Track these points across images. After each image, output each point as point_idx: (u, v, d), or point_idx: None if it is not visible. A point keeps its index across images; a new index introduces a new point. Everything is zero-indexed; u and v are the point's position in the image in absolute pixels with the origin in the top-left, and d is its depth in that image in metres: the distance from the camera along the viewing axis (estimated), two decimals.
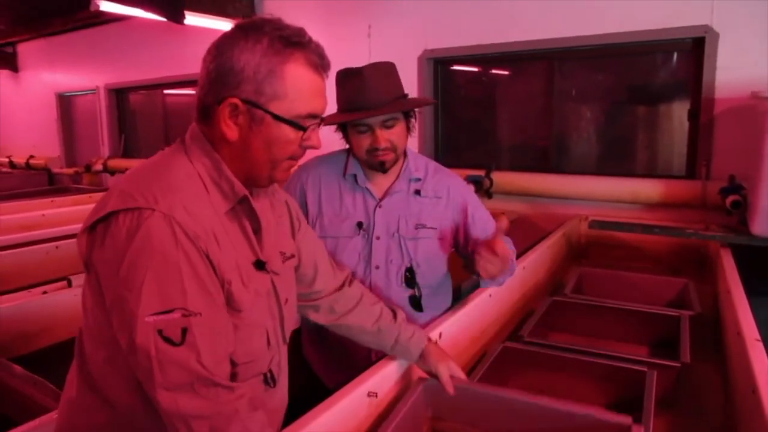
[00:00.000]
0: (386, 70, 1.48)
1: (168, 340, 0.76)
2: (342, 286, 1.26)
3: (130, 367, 0.81)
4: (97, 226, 0.82)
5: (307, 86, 0.89)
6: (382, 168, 1.49)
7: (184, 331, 0.77)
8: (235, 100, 0.85)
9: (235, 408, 0.81)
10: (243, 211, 0.92)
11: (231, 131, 0.87)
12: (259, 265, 0.94)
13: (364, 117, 1.42)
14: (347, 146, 1.59)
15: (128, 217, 0.79)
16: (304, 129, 0.90)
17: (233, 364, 0.88)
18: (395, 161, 1.51)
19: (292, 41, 0.87)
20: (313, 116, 0.91)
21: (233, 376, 0.89)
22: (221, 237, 0.86)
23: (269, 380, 1.00)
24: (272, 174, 0.93)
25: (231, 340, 0.87)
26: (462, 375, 1.29)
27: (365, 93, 1.41)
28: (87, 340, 0.90)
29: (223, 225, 0.88)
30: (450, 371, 1.28)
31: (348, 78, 1.45)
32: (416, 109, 1.54)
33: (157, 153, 0.94)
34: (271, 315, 0.99)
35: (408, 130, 1.52)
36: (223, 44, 0.87)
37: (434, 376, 1.28)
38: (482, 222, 1.63)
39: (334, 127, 1.52)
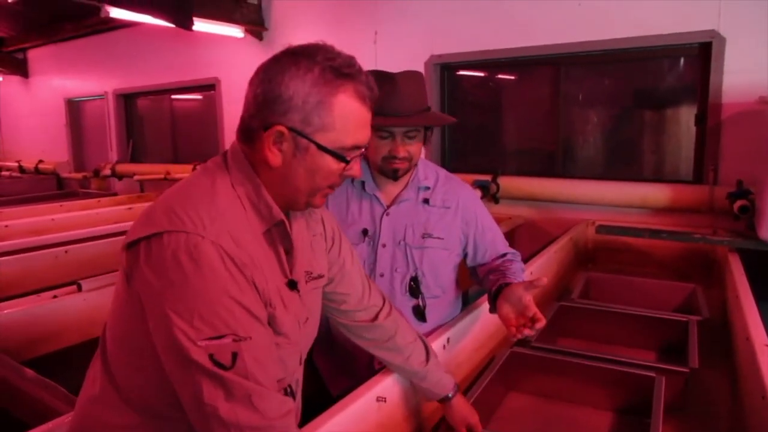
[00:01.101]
0: (417, 80, 1.48)
1: (219, 365, 0.78)
2: (375, 318, 1.24)
3: (156, 374, 0.83)
4: (140, 243, 0.82)
5: (354, 118, 0.89)
6: (395, 176, 1.49)
7: (234, 355, 0.79)
8: (282, 128, 0.85)
9: (287, 424, 0.83)
10: (278, 233, 0.93)
11: (274, 157, 0.87)
12: (292, 285, 0.95)
13: (393, 124, 1.43)
14: None
15: (174, 239, 0.79)
16: (347, 161, 0.90)
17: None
18: (407, 171, 1.52)
19: (344, 72, 0.87)
20: (357, 147, 0.91)
21: None
22: (263, 262, 0.88)
23: (288, 395, 1.00)
24: (310, 200, 0.94)
25: (276, 362, 0.90)
26: (479, 429, 1.30)
27: (395, 100, 1.41)
28: (111, 342, 0.92)
29: (262, 248, 0.90)
30: (468, 423, 1.30)
31: (379, 81, 1.44)
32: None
33: (200, 168, 0.94)
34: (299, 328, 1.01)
35: (425, 141, 1.52)
36: (272, 68, 0.86)
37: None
38: (491, 233, 1.62)
39: None
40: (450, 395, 1.30)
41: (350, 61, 0.89)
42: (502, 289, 1.39)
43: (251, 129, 0.88)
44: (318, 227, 1.10)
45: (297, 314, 0.97)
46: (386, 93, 1.40)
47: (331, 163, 0.89)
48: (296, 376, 1.04)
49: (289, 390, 1.01)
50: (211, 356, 0.77)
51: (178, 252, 0.78)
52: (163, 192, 0.92)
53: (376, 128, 1.45)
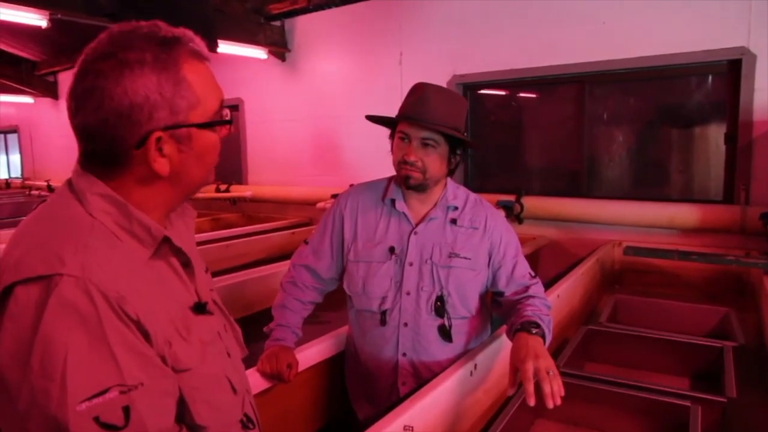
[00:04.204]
0: (449, 98, 1.49)
1: (109, 427, 0.65)
2: None
3: None
4: None
5: (207, 78, 0.82)
6: (406, 183, 1.49)
7: (126, 409, 0.66)
8: (158, 133, 0.76)
9: None
10: (169, 249, 0.83)
11: (162, 166, 0.77)
12: (199, 309, 0.85)
13: (406, 120, 1.45)
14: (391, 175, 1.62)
15: (29, 291, 0.67)
16: (230, 122, 0.84)
17: (199, 428, 0.79)
18: (421, 184, 1.50)
19: (169, 39, 0.78)
20: (222, 104, 0.84)
21: None
22: (150, 290, 0.76)
23: (247, 423, 0.90)
24: (207, 182, 0.86)
25: (176, 398, 0.77)
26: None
27: (417, 105, 1.45)
28: None
29: (149, 274, 0.78)
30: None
31: (415, 89, 1.50)
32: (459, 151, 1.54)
33: (40, 207, 0.81)
34: (227, 356, 0.91)
35: (448, 161, 1.51)
36: (98, 86, 0.74)
37: None
38: (513, 263, 1.56)
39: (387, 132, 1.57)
40: None
41: (164, 25, 0.79)
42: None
43: (115, 154, 0.76)
44: (192, 222, 0.99)
45: (206, 340, 0.84)
46: (416, 98, 1.46)
47: (216, 134, 0.83)
48: (248, 400, 0.93)
49: (245, 419, 0.90)
50: (97, 419, 0.64)
51: (36, 303, 0.66)
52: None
53: (398, 131, 1.50)
